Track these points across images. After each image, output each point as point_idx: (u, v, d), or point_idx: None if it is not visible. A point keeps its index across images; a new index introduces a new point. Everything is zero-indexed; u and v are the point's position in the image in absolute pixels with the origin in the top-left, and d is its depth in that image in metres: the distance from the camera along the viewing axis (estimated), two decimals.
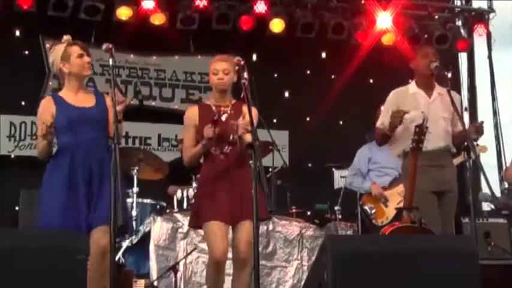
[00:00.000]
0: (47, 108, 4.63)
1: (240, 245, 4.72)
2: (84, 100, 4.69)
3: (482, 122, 5.31)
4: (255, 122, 4.67)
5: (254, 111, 4.74)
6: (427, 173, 5.09)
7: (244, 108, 4.77)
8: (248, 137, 4.60)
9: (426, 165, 5.06)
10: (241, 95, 4.76)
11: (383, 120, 5.38)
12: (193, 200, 5.02)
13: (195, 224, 5.00)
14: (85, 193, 4.50)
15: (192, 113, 4.99)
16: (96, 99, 4.71)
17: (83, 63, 4.65)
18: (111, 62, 4.39)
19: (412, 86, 5.46)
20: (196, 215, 4.89)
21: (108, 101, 4.61)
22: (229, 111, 4.90)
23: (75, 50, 4.66)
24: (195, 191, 4.99)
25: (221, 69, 4.88)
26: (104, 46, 4.42)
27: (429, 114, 5.12)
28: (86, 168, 4.53)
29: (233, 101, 4.99)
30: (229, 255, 4.96)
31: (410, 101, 5.31)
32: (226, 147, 4.82)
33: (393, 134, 5.24)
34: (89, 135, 4.57)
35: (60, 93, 4.74)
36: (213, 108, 4.93)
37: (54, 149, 4.62)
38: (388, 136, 5.29)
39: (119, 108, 4.35)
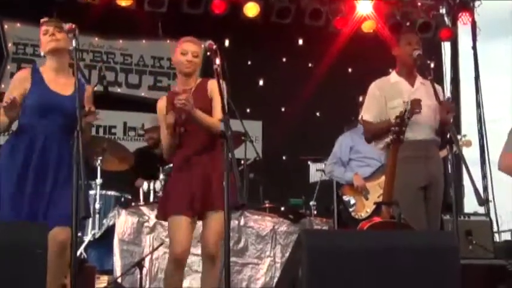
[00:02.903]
0: (21, 82, 4.59)
1: (209, 239, 4.68)
2: (63, 86, 4.63)
3: (449, 99, 5.34)
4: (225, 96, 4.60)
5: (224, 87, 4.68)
6: (413, 166, 5.10)
7: (209, 84, 4.77)
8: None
9: (413, 156, 5.07)
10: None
11: (373, 114, 5.37)
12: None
13: (161, 217, 4.93)
14: (39, 184, 4.45)
15: (160, 105, 4.92)
16: (75, 88, 4.52)
17: (45, 40, 4.64)
18: (74, 44, 4.32)
19: (393, 76, 5.48)
20: (163, 207, 4.84)
21: (88, 92, 4.63)
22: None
23: (42, 29, 4.66)
24: (163, 182, 4.94)
25: (191, 50, 4.82)
26: (67, 26, 4.38)
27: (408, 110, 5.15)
28: (44, 157, 4.48)
29: (198, 80, 4.92)
30: (199, 251, 4.98)
31: (393, 91, 5.33)
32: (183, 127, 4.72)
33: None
34: (55, 123, 4.53)
35: (42, 68, 4.71)
36: None
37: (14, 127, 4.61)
38: (388, 129, 5.21)
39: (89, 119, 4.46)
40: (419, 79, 5.43)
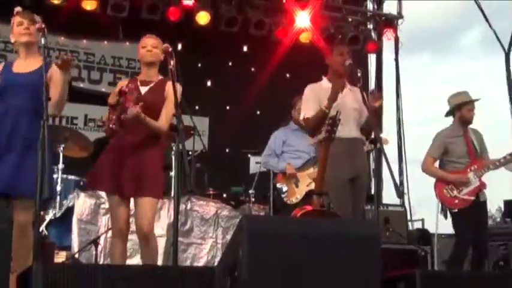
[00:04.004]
0: None
1: (142, 221, 4.63)
2: (28, 66, 4.55)
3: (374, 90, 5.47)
4: (178, 96, 4.57)
5: (179, 87, 4.64)
6: (342, 161, 5.11)
7: (167, 85, 4.71)
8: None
9: (342, 153, 5.09)
10: (167, 76, 4.70)
11: (306, 112, 5.35)
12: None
13: (92, 186, 4.97)
14: (7, 155, 4.34)
15: (121, 85, 4.83)
16: (39, 66, 4.47)
17: (19, 30, 4.54)
18: (43, 41, 4.22)
19: (324, 82, 5.49)
20: (96, 179, 4.76)
21: (53, 70, 4.44)
22: (135, 93, 4.70)
23: (16, 19, 4.57)
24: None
25: (150, 43, 4.83)
26: (37, 25, 4.30)
27: (343, 107, 5.16)
28: (11, 134, 4.37)
29: (160, 77, 4.89)
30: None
31: (325, 95, 5.34)
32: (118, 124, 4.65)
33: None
34: (19, 102, 4.41)
35: (15, 61, 4.66)
36: (138, 82, 4.83)
37: None
38: (324, 118, 5.17)
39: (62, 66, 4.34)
40: (347, 86, 5.45)
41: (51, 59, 4.38)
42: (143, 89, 4.80)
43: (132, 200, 4.75)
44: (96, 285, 3.26)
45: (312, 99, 5.35)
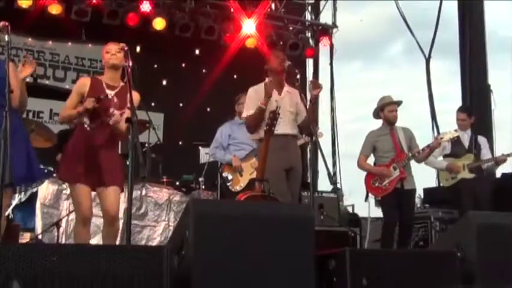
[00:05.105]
0: None
1: (110, 206, 4.64)
2: None
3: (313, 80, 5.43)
4: (136, 104, 4.50)
5: (136, 95, 4.59)
6: (278, 154, 5.07)
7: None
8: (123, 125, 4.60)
9: (277, 147, 5.04)
10: (124, 80, 4.59)
11: (248, 112, 5.28)
12: (63, 154, 4.81)
13: (64, 178, 4.92)
14: None
15: (84, 82, 4.79)
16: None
17: None
18: (6, 39, 4.06)
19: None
20: (67, 171, 4.71)
21: (11, 69, 4.18)
22: (115, 99, 4.69)
23: None
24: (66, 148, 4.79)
25: (114, 48, 4.73)
26: (1, 24, 4.12)
27: (280, 108, 5.14)
28: None
29: (122, 84, 4.78)
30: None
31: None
32: (94, 124, 4.66)
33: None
34: None
35: None
36: (104, 84, 4.73)
37: None
38: (262, 115, 5.12)
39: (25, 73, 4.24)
40: (286, 88, 5.39)
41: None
42: (110, 93, 4.73)
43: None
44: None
45: (255, 99, 5.28)
